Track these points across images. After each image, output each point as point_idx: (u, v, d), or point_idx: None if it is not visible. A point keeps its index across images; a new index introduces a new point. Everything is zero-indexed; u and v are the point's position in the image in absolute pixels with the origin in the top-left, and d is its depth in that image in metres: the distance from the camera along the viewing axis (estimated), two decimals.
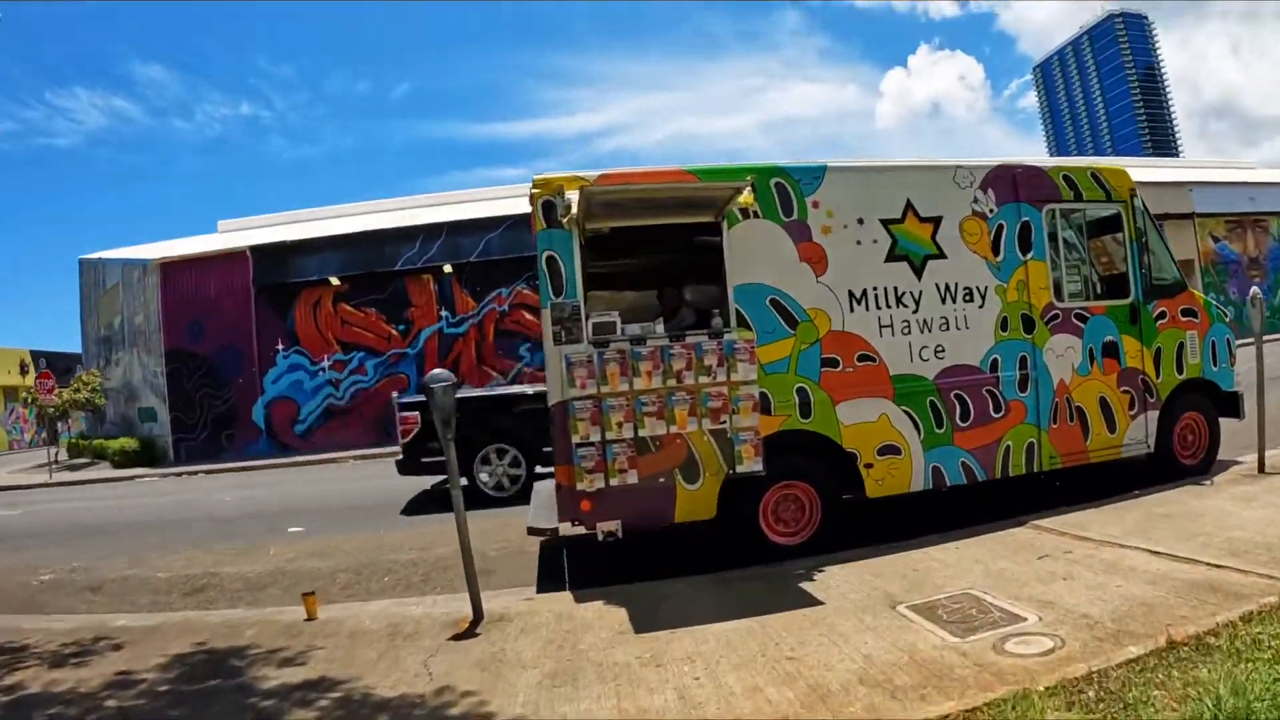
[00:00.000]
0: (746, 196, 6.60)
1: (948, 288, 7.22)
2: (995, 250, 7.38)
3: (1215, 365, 8.23)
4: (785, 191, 6.97)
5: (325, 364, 25.87)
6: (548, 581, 7.11)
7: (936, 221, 7.25)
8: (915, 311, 7.13)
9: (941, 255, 7.23)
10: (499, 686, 4.60)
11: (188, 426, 25.96)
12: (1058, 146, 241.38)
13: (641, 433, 6.41)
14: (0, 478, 27.73)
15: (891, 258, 7.12)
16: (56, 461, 28.04)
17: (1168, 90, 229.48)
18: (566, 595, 6.35)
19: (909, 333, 7.11)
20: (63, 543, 11.71)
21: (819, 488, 6.89)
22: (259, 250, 26.38)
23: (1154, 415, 7.86)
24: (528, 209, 6.82)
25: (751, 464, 6.52)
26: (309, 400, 25.89)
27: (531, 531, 6.87)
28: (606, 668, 4.74)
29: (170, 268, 25.99)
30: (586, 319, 6.55)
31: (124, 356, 30.72)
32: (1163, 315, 7.97)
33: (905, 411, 7.06)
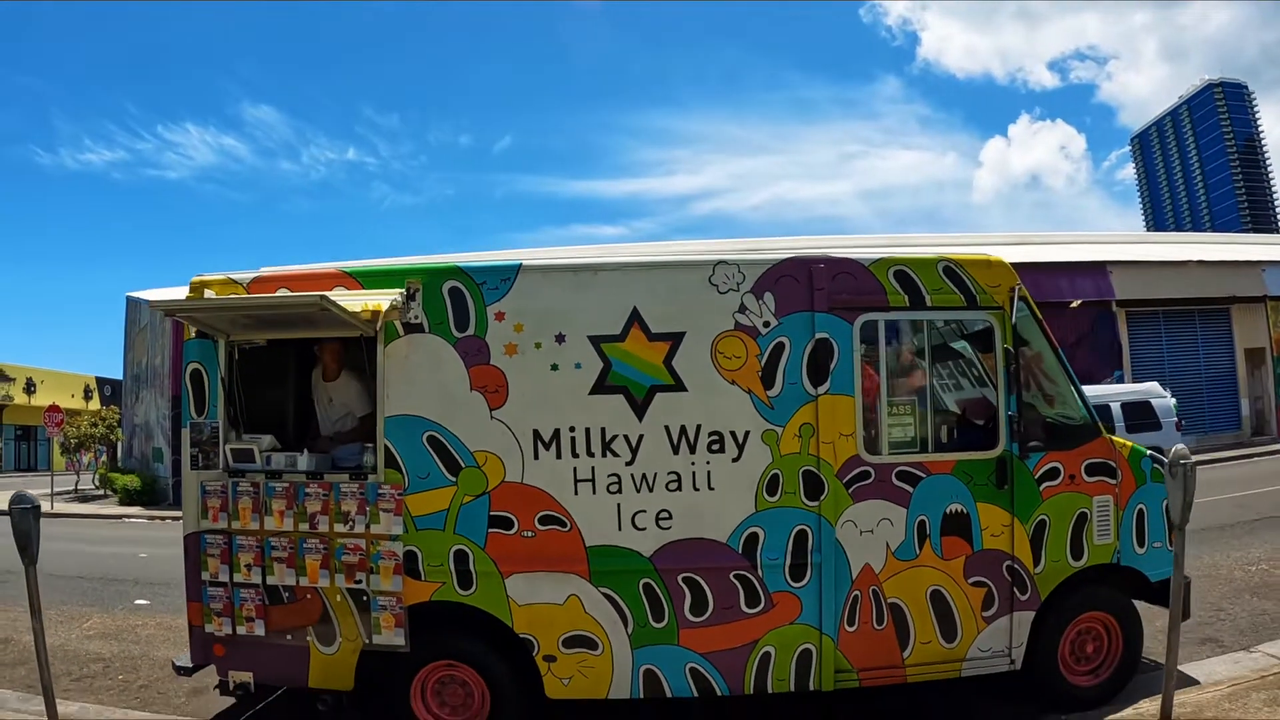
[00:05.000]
0: (375, 305, 5.30)
1: (683, 431, 5.33)
2: (768, 381, 5.37)
3: (1140, 546, 5.63)
4: (461, 298, 5.38)
5: None
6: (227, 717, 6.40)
7: (675, 339, 5.36)
8: (630, 463, 5.32)
9: (678, 386, 5.34)
10: None
11: None
12: (1155, 220, 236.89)
13: (270, 580, 5.42)
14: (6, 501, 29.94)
15: (601, 388, 5.33)
16: (76, 491, 30.09)
17: (1268, 162, 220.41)
18: None
19: (618, 491, 5.31)
20: None
21: (485, 675, 5.42)
22: None
23: (1026, 617, 5.48)
24: None
25: (391, 635, 5.28)
26: None
27: (176, 669, 6.04)
28: None
29: None
30: (224, 444, 5.65)
31: (146, 395, 32.08)
32: (1053, 474, 5.51)
33: (606, 595, 5.29)
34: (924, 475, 5.46)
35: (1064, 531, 5.57)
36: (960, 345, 6.00)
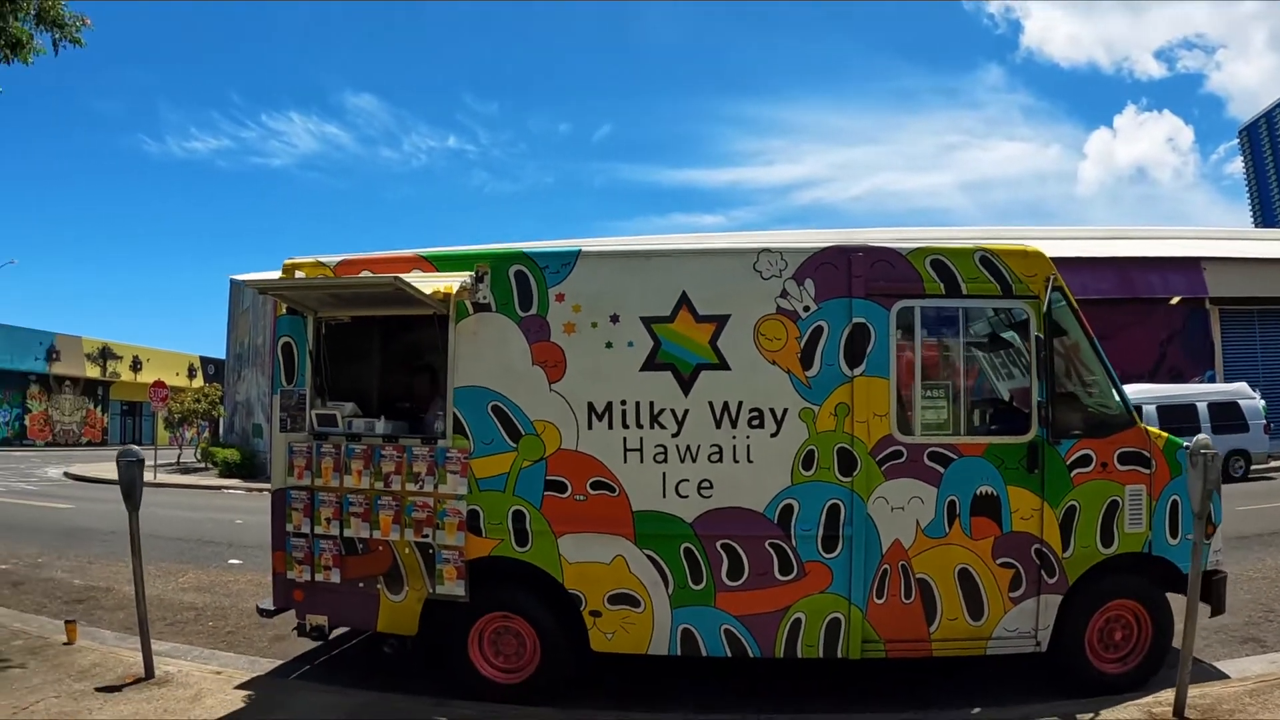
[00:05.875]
0: (446, 288, 5.90)
1: (726, 407, 5.72)
2: (807, 362, 5.70)
3: (1173, 537, 5.72)
4: (526, 281, 5.90)
5: None
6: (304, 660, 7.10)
7: (720, 321, 5.75)
8: (676, 435, 5.74)
9: (722, 365, 5.73)
10: None
11: None
12: (1263, 215, 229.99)
13: (347, 533, 6.05)
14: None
15: (651, 365, 5.77)
16: (178, 463, 31.96)
17: None
18: (272, 678, 6.49)
19: (664, 460, 5.73)
20: (56, 540, 13.36)
21: (536, 626, 5.93)
22: None
23: (1053, 600, 5.64)
24: None
25: (453, 586, 5.84)
26: None
27: (260, 611, 6.65)
28: None
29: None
30: (310, 409, 6.33)
31: (248, 373, 33.71)
32: (1084, 461, 5.67)
33: (649, 556, 5.72)
34: (955, 457, 5.70)
35: (1094, 518, 5.71)
36: (994, 333, 6.23)
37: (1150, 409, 12.30)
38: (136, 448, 6.36)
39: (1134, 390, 12.89)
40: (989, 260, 5.80)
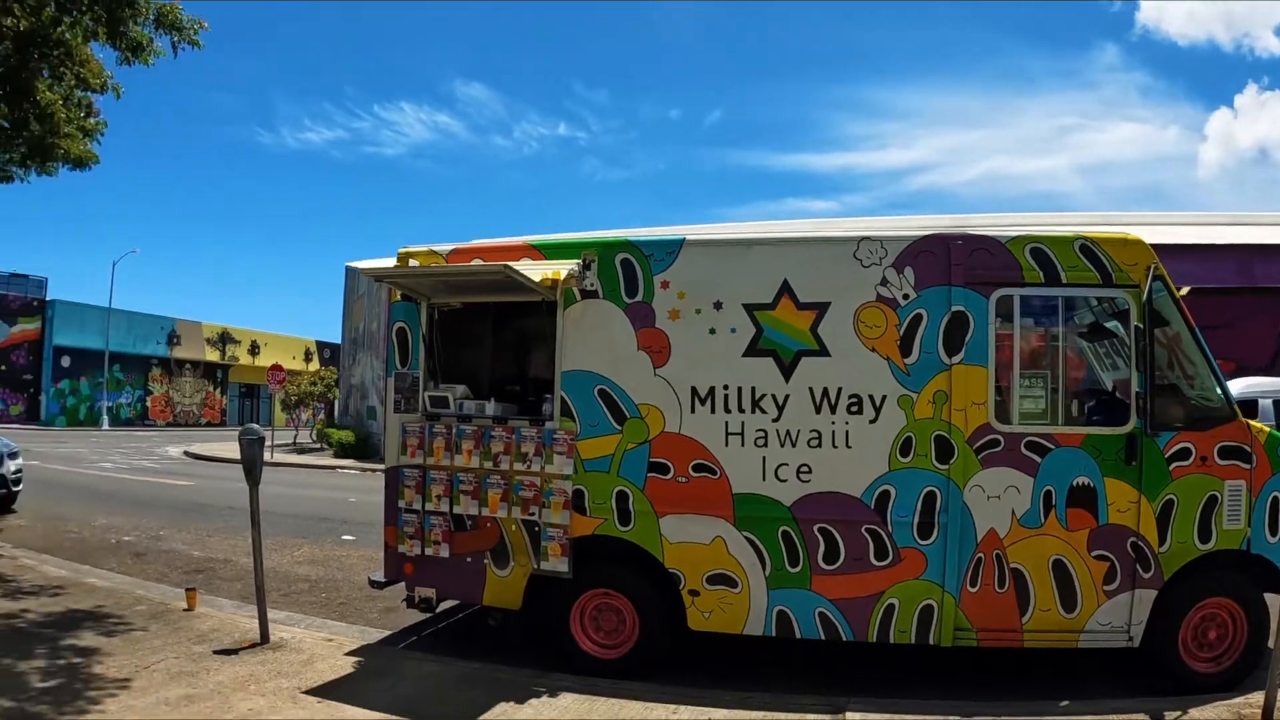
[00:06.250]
0: (556, 275, 6.18)
1: (826, 393, 5.88)
2: (906, 349, 5.84)
3: (1273, 535, 5.65)
4: (632, 269, 6.14)
5: None
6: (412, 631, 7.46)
7: (821, 309, 5.92)
8: (777, 420, 5.91)
9: (822, 351, 5.89)
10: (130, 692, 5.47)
11: None
12: None
13: (456, 509, 6.35)
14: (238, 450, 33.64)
15: (753, 351, 5.96)
16: (294, 444, 33.64)
17: None
18: (380, 647, 6.83)
19: (764, 445, 5.91)
20: (177, 515, 14.13)
21: (635, 603, 6.15)
22: None
23: (1148, 595, 5.63)
24: None
25: (556, 563, 6.09)
26: None
27: (371, 583, 6.99)
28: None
29: None
30: (423, 391, 6.66)
31: (363, 357, 35.05)
32: (1183, 454, 5.67)
33: (748, 538, 5.90)
34: (1052, 447, 5.73)
35: (1192, 513, 5.69)
36: (1094, 322, 6.28)
37: (1267, 403, 11.98)
38: (257, 426, 6.75)
39: (1249, 383, 12.68)
40: (1089, 248, 5.83)
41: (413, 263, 6.70)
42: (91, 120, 10.81)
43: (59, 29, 8.92)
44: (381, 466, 6.92)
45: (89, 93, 10.40)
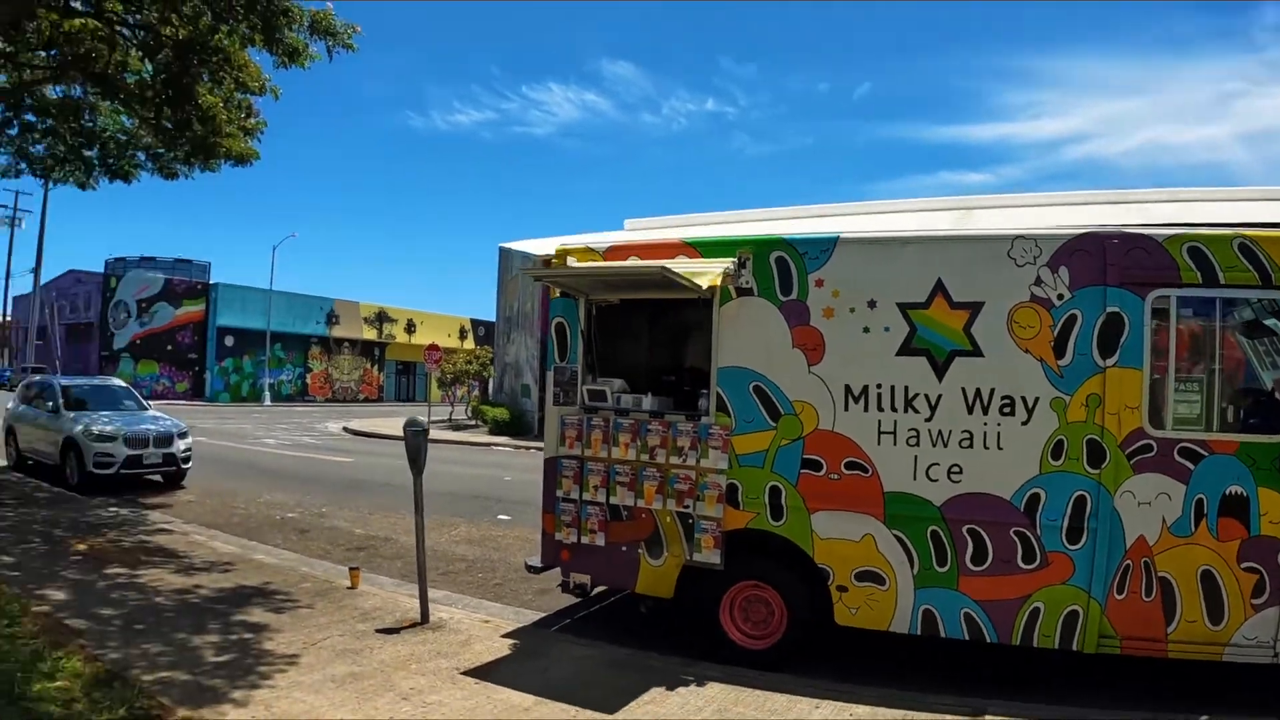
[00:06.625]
0: (713, 280, 7.45)
1: (978, 394, 7.00)
2: (1059, 350, 6.82)
3: None
4: (786, 267, 7.55)
5: None
6: (565, 614, 9.15)
7: (974, 308, 7.01)
8: (929, 419, 7.12)
9: (975, 352, 7.00)
10: (299, 668, 7.00)
11: None
12: None
13: (613, 500, 7.93)
14: (399, 428, 37.01)
15: (906, 350, 7.17)
16: (449, 420, 41.01)
17: None
18: (535, 629, 8.39)
19: (916, 444, 7.15)
20: (338, 492, 17.12)
21: (784, 596, 7.52)
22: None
23: None
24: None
25: (709, 555, 7.57)
26: None
27: (528, 568, 8.66)
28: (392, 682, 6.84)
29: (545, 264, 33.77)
30: (582, 385, 8.10)
31: (517, 336, 42.14)
32: None
33: (897, 537, 7.19)
34: (1206, 454, 6.62)
35: None
36: (1253, 325, 6.88)
37: None
38: (422, 419, 8.49)
39: None
40: (1248, 248, 6.58)
41: (570, 260, 8.30)
42: (251, 120, 13.09)
43: (216, 37, 10.94)
44: (535, 445, 8.49)
45: (248, 94, 12.50)
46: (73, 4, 12.41)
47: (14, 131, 16.19)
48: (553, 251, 8.48)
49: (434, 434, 31.19)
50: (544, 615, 8.96)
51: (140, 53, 12.83)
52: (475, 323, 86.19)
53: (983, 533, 7.02)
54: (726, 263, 7.67)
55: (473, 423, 42.68)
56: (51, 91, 15.23)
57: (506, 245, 42.81)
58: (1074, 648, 6.82)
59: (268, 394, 65.87)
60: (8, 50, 13.41)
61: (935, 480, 7.14)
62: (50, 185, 17.70)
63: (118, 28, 12.38)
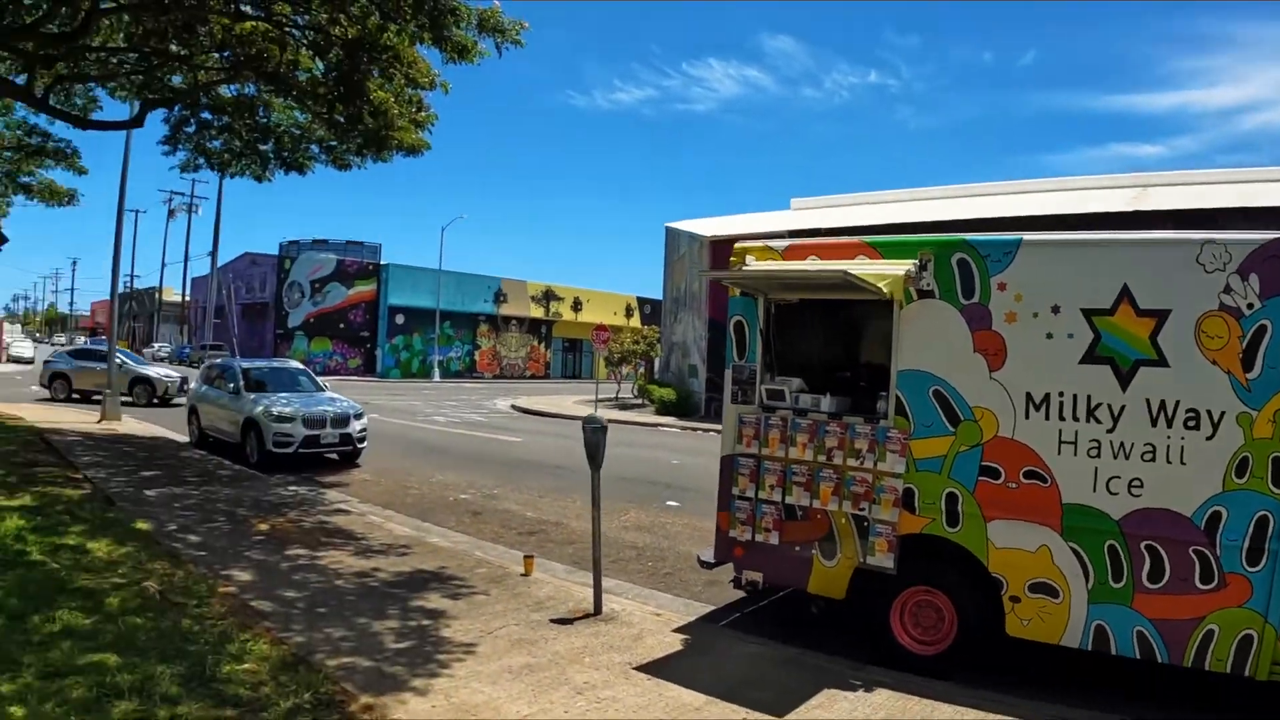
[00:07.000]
0: (895, 283, 8.81)
1: (1163, 406, 7.70)
2: (1248, 363, 7.41)
3: None
4: (968, 269, 8.74)
5: None
6: (734, 608, 10.75)
7: (1161, 316, 7.70)
8: (1111, 430, 7.94)
9: (1161, 361, 7.71)
10: (476, 657, 8.29)
11: (719, 387, 35.29)
12: None
13: (789, 500, 9.45)
14: (566, 406, 44.76)
15: (1090, 358, 8.01)
16: (616, 399, 48.52)
17: None
18: (704, 623, 9.88)
19: (1097, 455, 8.00)
20: (507, 473, 19.86)
21: (956, 603, 8.78)
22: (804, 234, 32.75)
23: None
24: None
25: (882, 558, 9.02)
26: None
27: (700, 563, 10.31)
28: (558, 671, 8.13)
29: (717, 245, 37.95)
30: (760, 384, 9.52)
31: (684, 316, 48.29)
32: None
33: (1073, 549, 8.10)
34: None
35: None
36: None
37: None
38: (600, 416, 10.16)
39: None
40: None
41: (749, 259, 9.97)
42: (422, 114, 15.36)
43: (385, 35, 13.07)
44: (701, 425, 10.17)
45: (418, 89, 14.75)
46: (243, 7, 14.99)
47: (191, 129, 19.29)
48: (719, 234, 9.84)
49: (601, 412, 36.53)
50: (713, 608, 10.68)
51: (311, 52, 15.42)
52: (641, 300, 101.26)
53: (1161, 550, 7.78)
54: (907, 264, 8.95)
55: (639, 402, 50.00)
56: (226, 90, 18.37)
57: (673, 225, 46.77)
58: (1246, 673, 7.51)
59: (437, 370, 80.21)
60: (183, 53, 16.22)
61: (1115, 493, 7.97)
62: (228, 177, 20.98)
63: (287, 29, 15.08)
